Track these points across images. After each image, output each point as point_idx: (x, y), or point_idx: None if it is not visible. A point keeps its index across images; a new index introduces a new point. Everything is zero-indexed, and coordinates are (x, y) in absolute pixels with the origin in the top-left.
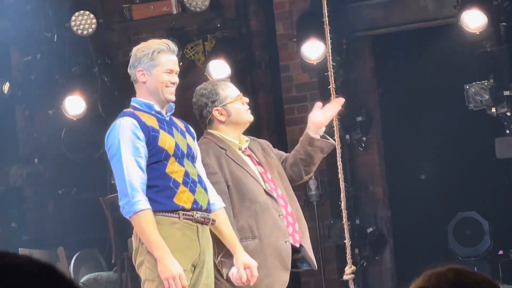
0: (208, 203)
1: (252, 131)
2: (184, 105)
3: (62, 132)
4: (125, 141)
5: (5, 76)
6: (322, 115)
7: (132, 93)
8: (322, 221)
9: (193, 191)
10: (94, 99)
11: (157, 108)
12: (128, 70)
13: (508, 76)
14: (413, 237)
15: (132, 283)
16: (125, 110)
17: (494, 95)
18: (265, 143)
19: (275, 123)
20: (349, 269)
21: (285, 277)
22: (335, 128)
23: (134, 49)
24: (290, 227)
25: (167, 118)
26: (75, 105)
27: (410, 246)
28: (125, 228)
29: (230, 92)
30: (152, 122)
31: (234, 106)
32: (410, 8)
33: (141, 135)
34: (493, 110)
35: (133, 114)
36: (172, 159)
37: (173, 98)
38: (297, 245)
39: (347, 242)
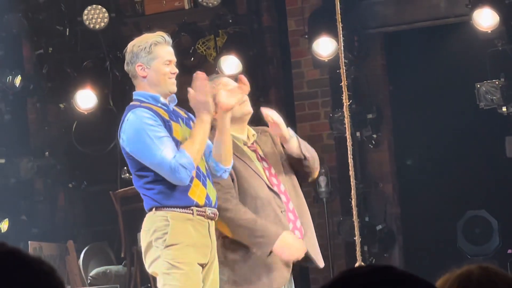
0: (216, 198)
1: (263, 126)
2: None
3: (73, 125)
4: (149, 127)
5: (17, 69)
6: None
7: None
8: (331, 217)
9: (205, 185)
10: (105, 93)
11: (162, 100)
12: (126, 67)
13: None
14: (422, 235)
15: (141, 277)
16: (131, 104)
17: (505, 94)
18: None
19: (286, 119)
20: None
21: (286, 274)
22: (346, 125)
23: (130, 45)
24: (291, 224)
25: (171, 109)
26: (86, 98)
27: (419, 243)
28: (134, 222)
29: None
30: (162, 113)
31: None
32: (422, 6)
33: (159, 122)
34: (504, 109)
35: (144, 106)
36: None
37: (175, 89)
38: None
39: (357, 239)
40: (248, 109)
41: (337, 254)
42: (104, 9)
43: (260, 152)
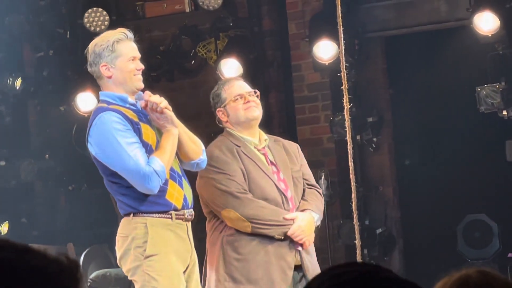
0: (192, 198)
1: (263, 130)
2: (196, 103)
3: (73, 128)
4: (118, 132)
5: (17, 71)
6: None
7: (143, 90)
8: (331, 221)
9: (181, 186)
10: None
11: (130, 100)
12: (89, 69)
13: None
14: (422, 239)
15: None
16: (99, 105)
17: (505, 97)
18: (294, 146)
19: (286, 123)
20: None
21: (288, 275)
22: (346, 128)
23: (91, 45)
24: None
25: (140, 108)
26: (86, 101)
27: (419, 247)
28: None
29: (230, 93)
30: (131, 115)
31: (232, 107)
32: (423, 10)
33: (128, 126)
34: (504, 112)
35: (111, 109)
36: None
37: (142, 85)
38: (299, 248)
39: (357, 242)
40: (252, 114)
41: (337, 257)
42: (105, 12)
43: (270, 157)
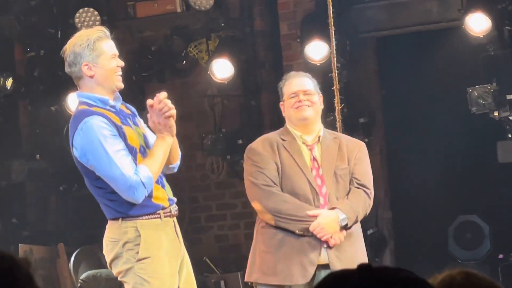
0: (172, 193)
1: (254, 130)
2: (187, 103)
3: (64, 128)
4: (105, 139)
5: (8, 71)
6: None
7: (135, 90)
8: None
9: (163, 186)
10: None
11: (111, 102)
12: (68, 69)
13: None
14: (414, 240)
15: None
16: (80, 108)
17: (497, 98)
18: (355, 144)
19: (277, 124)
20: None
21: (309, 272)
22: (338, 129)
23: (69, 45)
24: None
25: (119, 109)
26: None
27: (411, 248)
28: None
29: (288, 89)
30: (114, 118)
31: (287, 104)
32: (415, 11)
33: (115, 132)
34: (496, 113)
35: (96, 112)
36: (138, 155)
37: (122, 85)
38: (324, 246)
39: None
40: (302, 114)
41: None
42: (96, 12)
43: (316, 153)
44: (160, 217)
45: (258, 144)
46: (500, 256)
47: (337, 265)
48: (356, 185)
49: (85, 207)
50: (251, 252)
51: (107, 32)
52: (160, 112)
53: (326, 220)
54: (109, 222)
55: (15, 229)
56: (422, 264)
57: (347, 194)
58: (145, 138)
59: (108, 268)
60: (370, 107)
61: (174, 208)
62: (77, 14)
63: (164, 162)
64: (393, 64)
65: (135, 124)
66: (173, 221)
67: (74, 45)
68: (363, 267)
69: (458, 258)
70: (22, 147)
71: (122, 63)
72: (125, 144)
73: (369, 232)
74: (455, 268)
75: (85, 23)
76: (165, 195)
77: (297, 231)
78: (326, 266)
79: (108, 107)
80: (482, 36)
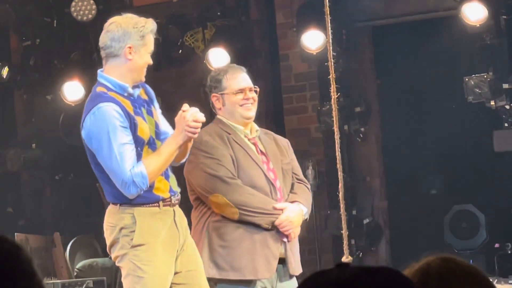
0: (176, 183)
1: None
2: (183, 93)
3: (60, 117)
4: (113, 130)
5: (4, 60)
6: None
7: None
8: (319, 211)
9: (167, 177)
10: (92, 84)
11: (130, 90)
12: (108, 42)
13: (508, 69)
14: (409, 229)
15: None
16: (98, 90)
17: (493, 88)
18: (284, 141)
19: (273, 112)
20: (345, 259)
21: (273, 266)
22: (334, 118)
23: (119, 20)
24: None
25: (136, 98)
26: (73, 90)
27: (406, 237)
28: None
29: (232, 84)
30: (128, 107)
31: (231, 99)
32: (411, 0)
33: (126, 123)
34: (492, 103)
35: (112, 98)
36: (146, 147)
37: (144, 79)
38: (284, 240)
39: (344, 232)
40: (248, 114)
41: (324, 247)
42: (92, 1)
43: (260, 147)
44: (158, 206)
45: (208, 137)
46: (496, 245)
47: (291, 259)
48: (296, 180)
49: (81, 196)
50: (204, 248)
51: (155, 29)
52: (188, 127)
53: (293, 213)
54: (109, 206)
55: (10, 218)
56: (418, 254)
57: (292, 189)
58: (156, 128)
59: (107, 252)
60: (366, 96)
61: (175, 198)
62: (73, 3)
63: (169, 161)
64: (389, 53)
65: (149, 113)
66: (173, 210)
67: (127, 23)
68: (342, 264)
69: (454, 248)
70: (17, 136)
71: (151, 62)
72: (134, 135)
73: (365, 221)
74: (432, 255)
75: (81, 12)
76: (167, 187)
77: (264, 224)
78: (282, 260)
79: (126, 94)
80: (478, 25)
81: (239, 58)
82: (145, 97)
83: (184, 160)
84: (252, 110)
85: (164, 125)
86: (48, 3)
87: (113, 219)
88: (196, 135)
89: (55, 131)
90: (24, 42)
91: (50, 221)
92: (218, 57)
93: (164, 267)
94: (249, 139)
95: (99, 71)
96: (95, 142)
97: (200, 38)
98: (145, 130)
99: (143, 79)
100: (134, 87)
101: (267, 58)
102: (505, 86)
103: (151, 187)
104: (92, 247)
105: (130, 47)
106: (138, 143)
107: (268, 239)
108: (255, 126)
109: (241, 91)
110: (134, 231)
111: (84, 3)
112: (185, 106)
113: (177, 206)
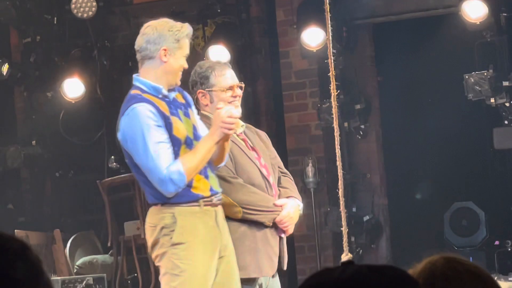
0: (218, 184)
1: (250, 117)
2: (184, 90)
3: (60, 114)
4: (148, 129)
5: (4, 57)
6: None
7: (131, 76)
8: (319, 208)
9: (207, 177)
10: (93, 82)
11: (164, 92)
12: (144, 45)
13: (508, 66)
14: (409, 226)
15: (127, 266)
16: (133, 92)
17: (493, 85)
18: (264, 135)
19: (273, 110)
20: (345, 256)
21: (275, 263)
22: (334, 115)
23: (155, 24)
24: None
25: (171, 99)
26: (74, 87)
27: (406, 235)
28: (121, 211)
29: (221, 81)
30: (163, 107)
31: (219, 96)
32: None
33: (160, 122)
34: (492, 100)
35: (146, 99)
36: (183, 146)
37: (180, 82)
38: (281, 235)
39: (344, 229)
40: (237, 111)
41: (324, 244)
42: None
43: (250, 142)
44: (199, 206)
45: None
46: (496, 242)
47: (285, 255)
48: (281, 174)
49: (81, 193)
50: None
51: (191, 34)
52: (223, 123)
53: (293, 209)
54: (151, 208)
55: (11, 215)
56: (418, 251)
57: (280, 183)
58: (194, 130)
59: (149, 252)
60: (366, 94)
61: (216, 197)
62: (73, 0)
63: (206, 158)
64: (390, 50)
65: (186, 115)
66: (215, 211)
67: (163, 26)
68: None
69: (454, 245)
70: (17, 133)
71: (187, 66)
72: (170, 135)
73: (365, 218)
74: (433, 256)
75: (81, 9)
76: (207, 186)
77: (266, 222)
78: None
79: (160, 96)
80: (478, 23)
81: (239, 55)
82: (182, 100)
83: (223, 164)
84: (239, 107)
85: (202, 130)
86: (48, 0)
87: (153, 219)
88: (232, 131)
89: (55, 128)
90: (25, 39)
91: (50, 218)
92: (218, 54)
93: (203, 267)
94: (237, 135)
95: (134, 75)
96: (131, 143)
97: (201, 35)
98: (181, 130)
99: (179, 83)
100: (169, 90)
101: (267, 56)
102: (505, 83)
103: (189, 185)
104: (93, 244)
105: (165, 49)
106: (175, 142)
107: (268, 236)
108: (241, 122)
109: (231, 88)
110: (174, 230)
111: (85, 0)
112: (220, 104)
113: (219, 207)
